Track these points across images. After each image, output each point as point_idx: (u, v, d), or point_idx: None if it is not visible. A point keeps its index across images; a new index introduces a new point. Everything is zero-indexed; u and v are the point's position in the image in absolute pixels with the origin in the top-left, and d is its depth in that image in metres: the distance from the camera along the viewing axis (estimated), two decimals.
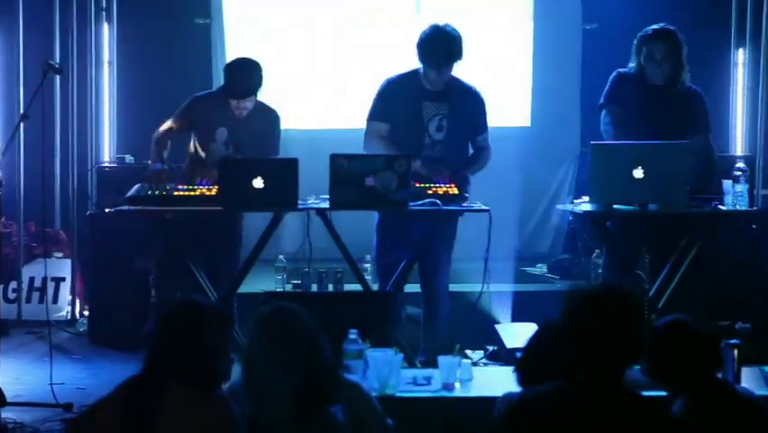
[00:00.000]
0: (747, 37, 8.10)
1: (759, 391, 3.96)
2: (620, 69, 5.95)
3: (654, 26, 5.88)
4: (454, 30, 5.78)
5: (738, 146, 8.18)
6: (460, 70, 5.93)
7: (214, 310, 3.34)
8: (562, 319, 3.06)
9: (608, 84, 5.93)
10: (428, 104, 5.82)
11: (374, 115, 5.90)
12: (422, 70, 5.81)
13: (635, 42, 5.87)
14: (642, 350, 3.07)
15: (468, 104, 5.90)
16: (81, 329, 7.24)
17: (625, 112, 5.80)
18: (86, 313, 7.40)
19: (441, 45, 5.72)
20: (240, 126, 5.92)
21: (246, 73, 5.92)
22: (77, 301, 7.60)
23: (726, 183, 5.61)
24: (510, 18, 8.67)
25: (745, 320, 6.07)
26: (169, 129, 6.01)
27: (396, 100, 5.85)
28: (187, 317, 3.26)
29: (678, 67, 5.81)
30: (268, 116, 6.05)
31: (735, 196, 5.59)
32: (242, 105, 5.88)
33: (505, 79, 8.59)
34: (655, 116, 5.74)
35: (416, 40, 5.81)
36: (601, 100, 5.92)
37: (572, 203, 6.06)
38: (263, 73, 5.96)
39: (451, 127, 5.82)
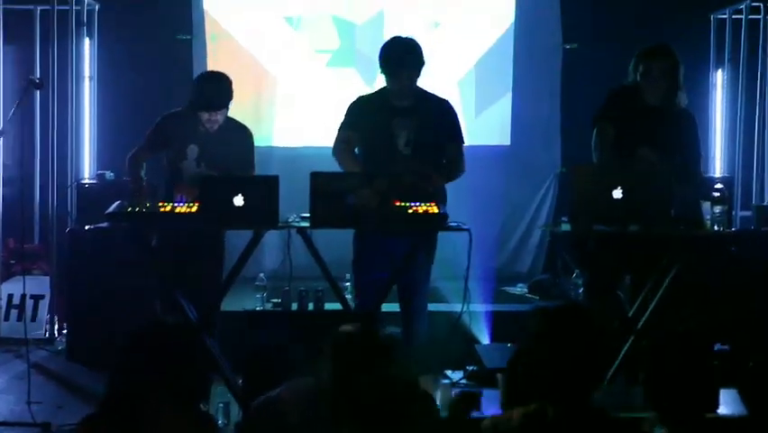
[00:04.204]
0: (726, 58, 8.15)
1: (738, 413, 3.97)
2: (616, 86, 5.96)
3: (654, 44, 5.89)
4: (412, 40, 5.80)
5: (717, 168, 8.23)
6: (437, 88, 5.95)
7: (179, 330, 3.31)
8: (525, 342, 3.08)
9: (605, 99, 5.93)
10: (397, 120, 5.81)
11: (342, 126, 5.92)
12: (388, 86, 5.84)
13: (633, 59, 5.88)
14: (602, 370, 3.08)
15: (437, 115, 5.89)
16: (60, 347, 7.20)
17: (618, 129, 5.80)
18: (64, 331, 7.36)
19: (395, 51, 5.74)
20: (211, 142, 5.88)
21: (217, 85, 5.88)
22: (56, 319, 7.55)
23: (705, 205, 5.63)
24: (490, 37, 8.70)
25: (724, 342, 6.09)
26: (143, 149, 6.00)
27: (365, 115, 5.86)
28: (154, 340, 3.22)
29: (674, 86, 5.81)
30: (240, 132, 6.02)
31: (713, 217, 5.61)
32: (213, 119, 5.84)
33: (485, 98, 8.62)
34: (649, 135, 5.75)
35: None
36: (594, 114, 5.94)
37: (553, 223, 6.07)
38: (233, 88, 5.93)
39: (418, 141, 5.82)
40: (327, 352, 3.38)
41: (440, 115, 5.91)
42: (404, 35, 5.87)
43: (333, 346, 3.37)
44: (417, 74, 5.78)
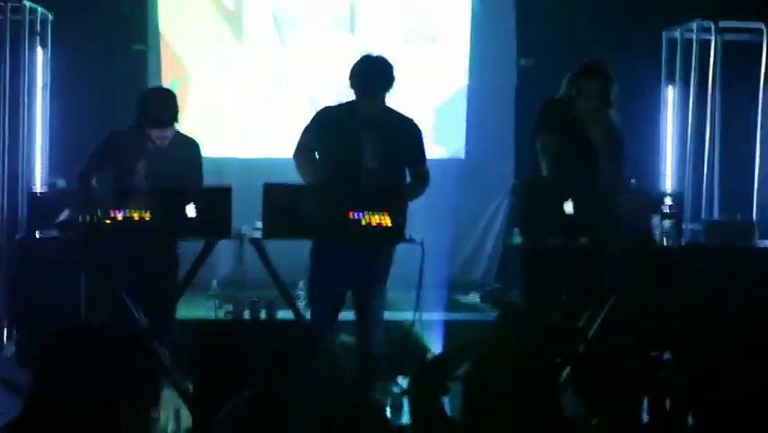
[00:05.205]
0: (677, 74, 8.26)
1: None
2: (548, 98, 6.05)
3: (588, 61, 5.99)
4: (384, 59, 5.83)
5: (668, 182, 8.33)
6: (394, 100, 5.98)
7: (98, 333, 3.23)
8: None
9: (538, 113, 6.01)
10: (364, 132, 5.81)
11: (307, 131, 5.92)
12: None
13: (568, 74, 5.97)
14: None
15: (403, 135, 5.92)
16: (9, 354, 7.13)
17: (558, 140, 5.88)
18: (13, 339, 7.29)
19: (368, 71, 5.77)
20: (160, 158, 5.85)
21: (164, 101, 5.88)
22: (5, 325, 7.47)
23: (656, 219, 5.71)
24: (446, 50, 8.76)
25: (671, 352, 6.14)
26: (91, 166, 5.96)
27: (332, 125, 5.87)
28: (71, 346, 3.14)
29: (606, 103, 5.91)
30: (188, 147, 6.01)
31: (663, 231, 5.68)
32: (163, 135, 5.83)
33: (439, 111, 8.68)
34: (576, 147, 5.83)
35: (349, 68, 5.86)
36: (533, 130, 6.01)
37: (505, 234, 6.13)
38: (178, 103, 5.93)
39: (386, 155, 5.84)
40: (273, 366, 3.37)
41: (407, 133, 5.95)
42: (373, 54, 5.88)
43: (275, 359, 3.36)
44: (388, 91, 5.81)
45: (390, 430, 3.79)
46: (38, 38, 8.20)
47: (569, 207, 5.44)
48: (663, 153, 8.37)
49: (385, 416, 3.87)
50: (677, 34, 8.22)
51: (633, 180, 5.76)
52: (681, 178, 8.18)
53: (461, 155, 8.77)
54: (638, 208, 5.97)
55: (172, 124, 5.84)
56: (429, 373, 3.46)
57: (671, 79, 8.38)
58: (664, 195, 7.09)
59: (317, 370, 3.37)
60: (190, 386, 5.40)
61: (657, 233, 5.69)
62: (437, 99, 8.73)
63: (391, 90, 5.80)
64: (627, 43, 8.30)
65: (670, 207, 5.76)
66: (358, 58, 5.89)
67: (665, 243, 5.71)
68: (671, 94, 8.42)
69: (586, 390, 3.70)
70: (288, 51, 8.70)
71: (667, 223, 5.72)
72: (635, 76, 8.07)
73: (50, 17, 8.32)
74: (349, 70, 5.82)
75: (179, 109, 5.95)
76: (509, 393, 3.04)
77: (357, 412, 3.46)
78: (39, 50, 8.27)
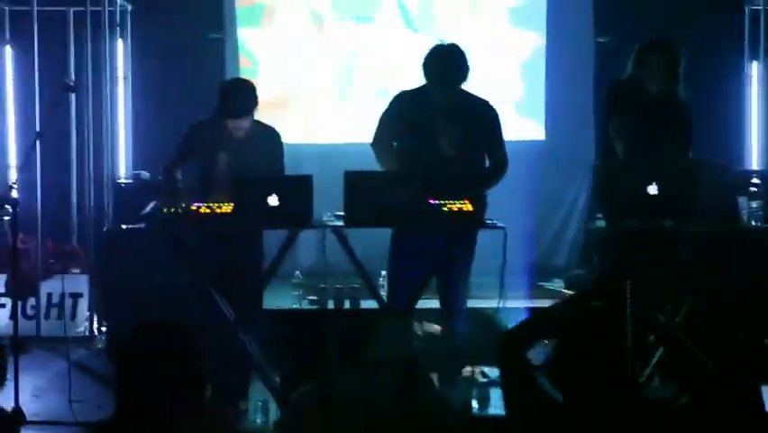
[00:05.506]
0: (761, 50, 8.10)
1: None
2: (616, 80, 5.96)
3: (654, 38, 5.88)
4: (458, 48, 5.71)
5: (754, 160, 8.17)
6: (472, 84, 5.91)
7: (176, 328, 3.26)
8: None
9: (607, 96, 5.93)
10: (441, 119, 5.74)
11: (384, 119, 5.87)
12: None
13: (634, 51, 5.87)
14: None
15: (480, 120, 5.86)
16: (99, 345, 7.27)
17: (629, 122, 5.81)
18: (103, 329, 7.43)
19: (445, 66, 5.66)
20: (240, 148, 5.85)
21: (240, 92, 5.87)
22: (95, 317, 7.62)
23: (742, 199, 5.60)
24: (523, 31, 8.70)
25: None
26: (175, 161, 5.99)
27: (409, 112, 5.80)
28: (150, 342, 3.15)
29: (674, 79, 5.81)
30: (268, 135, 5.99)
31: (750, 211, 5.58)
32: (240, 126, 5.84)
33: (518, 93, 8.62)
34: (649, 128, 5.75)
35: (422, 56, 5.78)
36: (605, 111, 5.93)
37: (588, 218, 6.06)
38: (257, 93, 5.91)
39: (464, 142, 5.80)
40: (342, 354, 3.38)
41: (484, 118, 5.86)
42: (445, 43, 5.79)
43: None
44: (463, 83, 5.74)
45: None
46: (118, 29, 8.33)
47: (653, 189, 5.35)
48: (749, 131, 8.22)
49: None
50: (760, 7, 8.06)
51: (719, 161, 5.65)
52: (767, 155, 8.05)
53: (542, 136, 8.70)
54: (724, 189, 5.87)
55: (248, 115, 5.84)
56: (513, 343, 3.48)
57: (754, 54, 8.22)
58: (751, 174, 6.96)
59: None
60: (277, 378, 5.45)
61: (744, 213, 5.59)
62: (515, 80, 8.66)
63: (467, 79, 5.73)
64: (708, 17, 8.15)
65: (756, 186, 5.65)
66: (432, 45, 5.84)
67: (752, 223, 5.60)
68: (755, 69, 8.27)
69: (675, 371, 3.65)
70: (364, 37, 8.70)
71: (754, 203, 5.61)
72: (717, 51, 7.94)
73: (129, 8, 8.43)
74: (423, 58, 5.76)
75: (258, 98, 5.94)
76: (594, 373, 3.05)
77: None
78: (119, 41, 8.39)
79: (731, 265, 5.89)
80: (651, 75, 5.76)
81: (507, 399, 3.71)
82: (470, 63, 5.68)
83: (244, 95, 5.84)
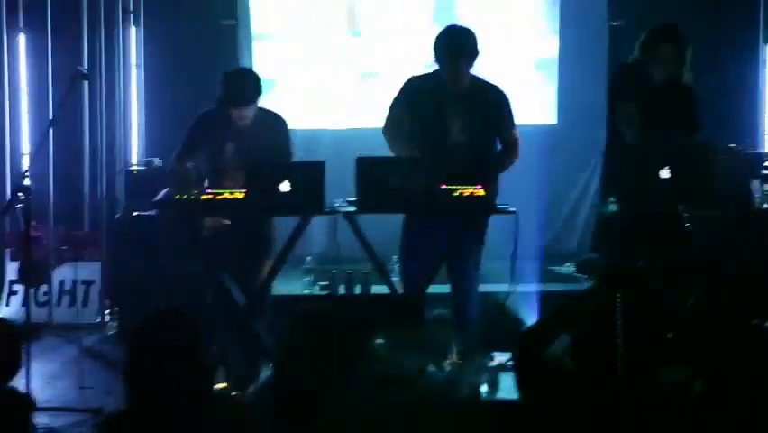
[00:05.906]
0: None
1: None
2: (622, 64, 5.93)
3: (662, 24, 5.85)
4: (468, 30, 5.78)
5: (766, 143, 8.12)
6: (483, 68, 5.91)
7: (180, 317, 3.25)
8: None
9: (613, 80, 5.90)
10: (451, 105, 5.77)
11: (395, 105, 5.89)
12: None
13: (642, 37, 5.84)
14: None
15: (491, 105, 5.87)
16: (111, 332, 7.29)
17: (636, 106, 5.78)
18: (116, 316, 7.45)
19: (452, 40, 5.72)
20: (244, 137, 5.84)
21: (242, 81, 5.85)
22: (107, 304, 7.64)
23: (755, 182, 5.58)
24: (535, 15, 8.66)
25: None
26: (184, 152, 5.97)
27: (419, 98, 5.83)
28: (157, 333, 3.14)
29: (681, 66, 5.77)
30: (273, 122, 5.96)
31: (763, 194, 5.55)
32: (243, 115, 5.81)
33: (530, 76, 8.59)
34: (656, 113, 5.72)
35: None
36: (611, 96, 5.90)
37: (600, 202, 6.04)
38: (260, 82, 5.89)
39: (474, 128, 5.80)
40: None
41: (494, 103, 5.88)
42: (457, 25, 5.83)
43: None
44: (473, 62, 5.76)
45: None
46: (131, 16, 8.33)
47: (665, 172, 5.33)
48: (762, 114, 8.17)
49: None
50: None
51: (732, 145, 5.61)
52: None
53: (554, 120, 8.67)
54: (737, 171, 5.84)
55: (251, 104, 5.81)
56: (531, 343, 3.47)
57: None
58: (763, 157, 6.91)
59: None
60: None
61: (757, 196, 5.56)
62: (527, 64, 8.63)
63: (476, 61, 5.73)
64: (722, 3, 8.10)
65: None
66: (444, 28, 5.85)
67: (765, 206, 5.57)
68: None
69: (688, 356, 3.64)
70: (377, 25, 8.69)
71: (767, 186, 5.59)
72: (731, 35, 7.89)
73: None
74: (433, 41, 5.78)
75: (261, 87, 5.92)
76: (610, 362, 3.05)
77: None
78: (132, 28, 8.39)
79: (744, 248, 5.87)
80: (657, 63, 5.74)
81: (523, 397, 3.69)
82: (479, 47, 5.71)
83: (246, 84, 5.81)
